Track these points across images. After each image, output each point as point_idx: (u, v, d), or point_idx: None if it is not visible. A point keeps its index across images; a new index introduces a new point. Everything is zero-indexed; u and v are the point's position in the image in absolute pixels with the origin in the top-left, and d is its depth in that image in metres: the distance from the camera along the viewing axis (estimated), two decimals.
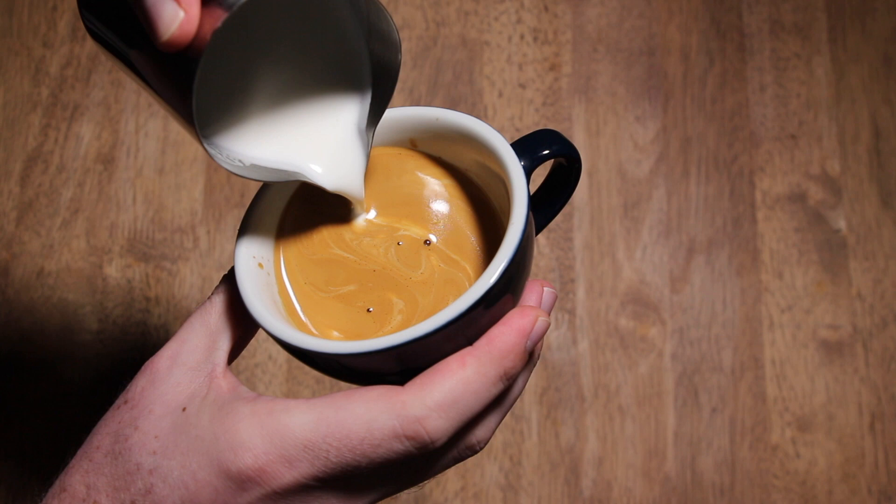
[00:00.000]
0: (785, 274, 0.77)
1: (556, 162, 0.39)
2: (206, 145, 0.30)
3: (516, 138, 0.78)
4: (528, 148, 0.36)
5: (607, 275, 0.76)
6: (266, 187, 0.38)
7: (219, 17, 0.27)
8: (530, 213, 0.33)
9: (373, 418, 0.30)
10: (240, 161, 0.33)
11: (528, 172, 0.35)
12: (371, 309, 0.36)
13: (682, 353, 0.75)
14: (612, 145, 0.79)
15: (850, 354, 0.75)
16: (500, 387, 0.32)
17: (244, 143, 0.34)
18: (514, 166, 0.34)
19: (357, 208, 0.37)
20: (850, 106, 0.81)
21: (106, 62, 0.81)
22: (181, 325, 0.78)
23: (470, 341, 0.32)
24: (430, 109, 0.38)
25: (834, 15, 0.83)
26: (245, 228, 0.36)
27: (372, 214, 0.38)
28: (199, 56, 0.28)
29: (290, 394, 0.73)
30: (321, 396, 0.32)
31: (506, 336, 0.32)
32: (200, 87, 0.29)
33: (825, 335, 0.75)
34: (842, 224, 0.78)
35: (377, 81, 0.36)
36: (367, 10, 0.33)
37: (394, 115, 0.38)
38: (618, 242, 0.77)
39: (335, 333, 0.35)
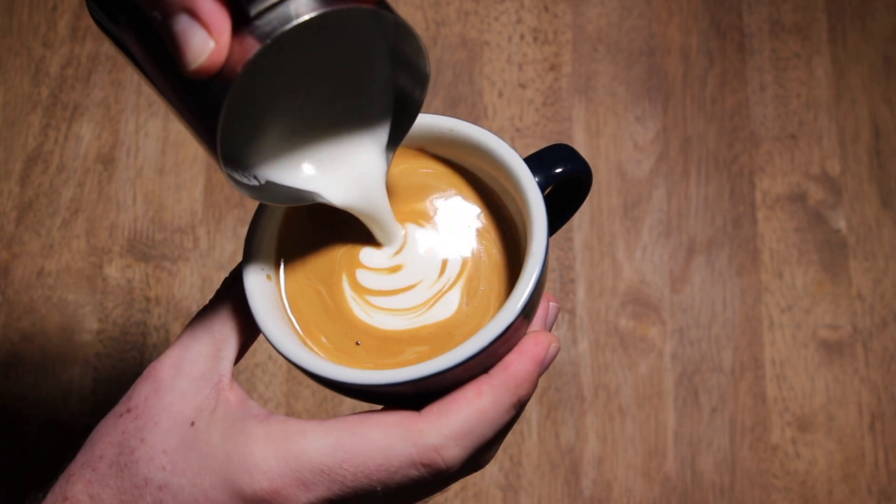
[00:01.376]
0: (785, 274, 0.77)
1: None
2: (224, 168, 0.29)
3: (517, 139, 0.78)
4: (541, 165, 0.35)
5: (607, 275, 0.76)
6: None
7: (250, 48, 0.26)
8: (549, 241, 0.33)
9: (390, 445, 0.31)
10: (255, 178, 0.33)
11: (542, 190, 0.34)
12: (359, 342, 0.35)
13: (682, 353, 0.75)
14: (612, 145, 0.79)
15: (850, 354, 0.75)
16: (513, 413, 0.33)
17: (259, 159, 0.33)
18: (532, 191, 0.34)
19: (377, 233, 0.36)
20: (850, 106, 0.81)
21: (106, 61, 0.81)
22: (181, 325, 0.78)
23: (486, 369, 0.33)
24: (442, 119, 0.37)
25: (834, 15, 0.83)
26: (252, 237, 0.35)
27: (393, 247, 0.37)
28: (228, 86, 0.27)
29: (290, 394, 0.73)
30: (336, 419, 0.32)
31: (521, 364, 0.33)
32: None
33: (825, 335, 0.75)
34: (842, 224, 0.78)
35: (398, 111, 0.35)
36: (396, 38, 0.32)
37: None
38: (618, 242, 0.77)
39: (323, 339, 0.35)
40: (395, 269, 0.36)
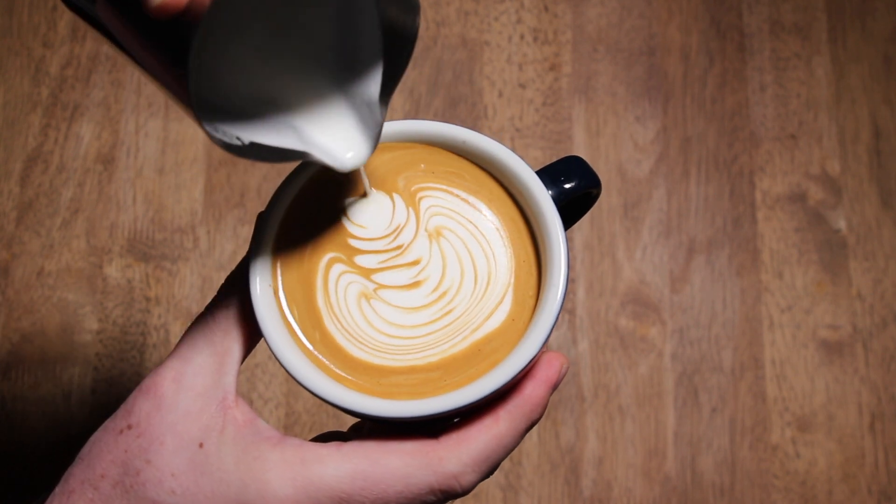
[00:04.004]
0: (785, 274, 0.77)
1: None
2: (203, 122, 0.27)
3: (516, 139, 0.78)
4: (555, 180, 0.35)
5: (607, 275, 0.76)
6: (276, 203, 0.35)
7: None
8: (568, 264, 0.33)
9: (410, 474, 0.31)
10: (238, 139, 0.30)
11: (556, 204, 0.34)
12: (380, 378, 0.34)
13: (682, 353, 0.75)
14: (612, 145, 0.79)
15: (850, 354, 0.75)
16: (525, 435, 0.33)
17: (241, 119, 0.31)
18: (551, 215, 0.33)
19: (365, 188, 0.35)
20: (850, 106, 0.81)
21: (106, 61, 0.81)
22: (181, 325, 0.77)
23: (502, 395, 0.33)
24: (457, 130, 0.35)
25: (834, 15, 0.83)
26: (258, 249, 0.34)
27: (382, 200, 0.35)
28: (196, 25, 0.24)
29: (290, 394, 0.73)
30: (353, 445, 0.32)
31: (536, 390, 0.33)
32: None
33: (825, 335, 0.75)
34: (842, 224, 0.78)
35: (390, 49, 0.32)
36: None
37: (415, 128, 0.36)
38: (618, 242, 0.77)
39: (336, 366, 0.34)
40: (426, 294, 0.35)
